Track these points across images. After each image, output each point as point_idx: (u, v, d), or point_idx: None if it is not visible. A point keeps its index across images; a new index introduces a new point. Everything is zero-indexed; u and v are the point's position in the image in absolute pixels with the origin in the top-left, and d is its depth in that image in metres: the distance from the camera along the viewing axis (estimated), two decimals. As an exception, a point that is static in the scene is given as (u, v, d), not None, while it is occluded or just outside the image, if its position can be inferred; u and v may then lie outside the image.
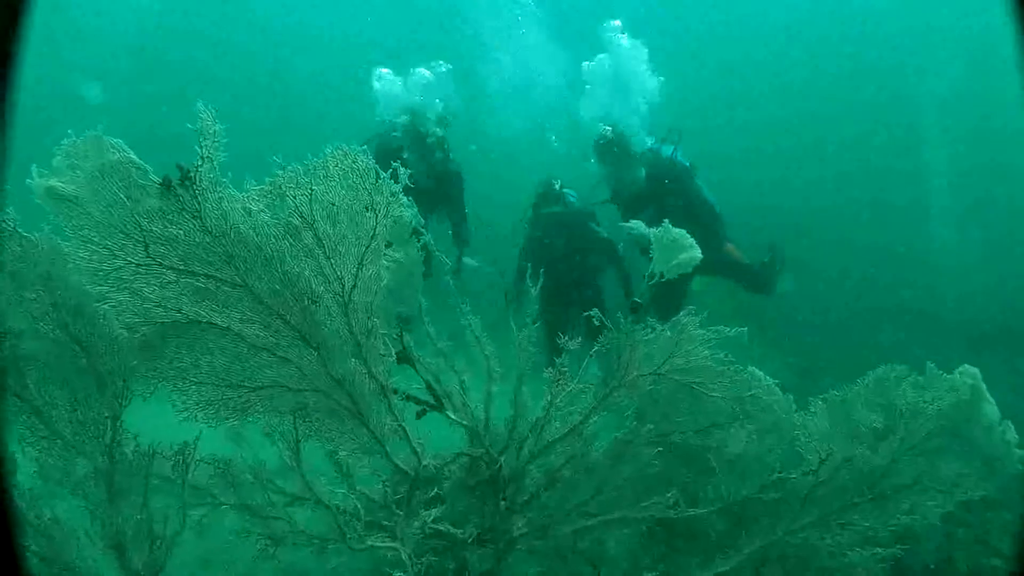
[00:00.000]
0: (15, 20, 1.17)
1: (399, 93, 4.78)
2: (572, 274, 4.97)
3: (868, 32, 16.98)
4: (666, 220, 2.97)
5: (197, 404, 2.03)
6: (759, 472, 2.79)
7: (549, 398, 2.76)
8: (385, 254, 2.38)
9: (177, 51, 18.32)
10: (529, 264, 5.20)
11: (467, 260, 5.12)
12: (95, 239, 1.83)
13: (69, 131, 1.79)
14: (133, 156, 1.81)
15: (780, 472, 2.68)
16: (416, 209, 2.43)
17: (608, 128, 4.63)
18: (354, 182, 2.02)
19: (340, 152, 1.98)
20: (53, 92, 14.51)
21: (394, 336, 2.78)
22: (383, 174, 2.05)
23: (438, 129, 4.64)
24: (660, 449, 2.76)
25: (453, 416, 2.75)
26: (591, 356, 2.82)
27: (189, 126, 1.78)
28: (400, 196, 2.10)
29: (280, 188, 1.95)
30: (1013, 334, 8.04)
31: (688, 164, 4.99)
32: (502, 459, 2.81)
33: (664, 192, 4.61)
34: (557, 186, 5.14)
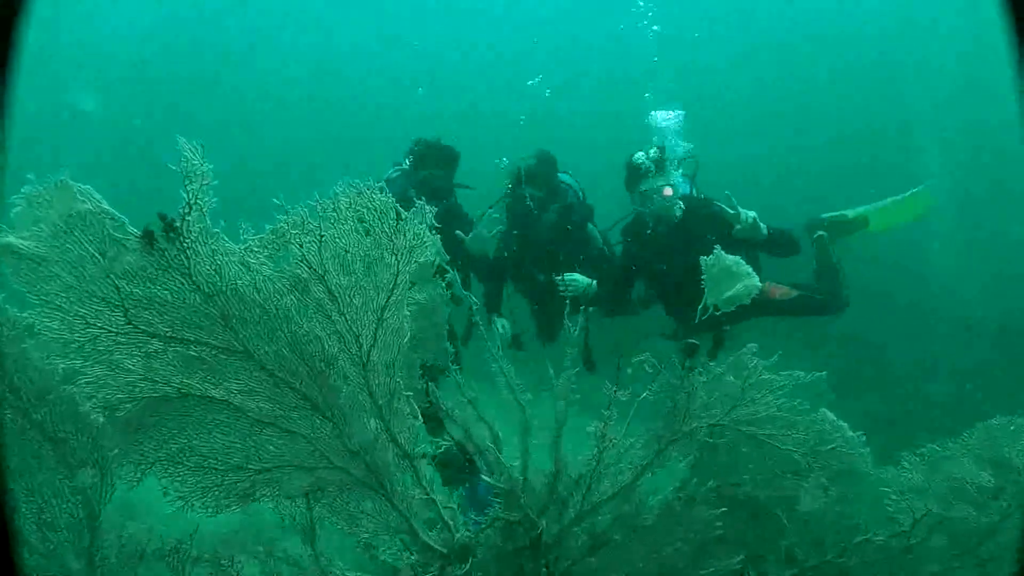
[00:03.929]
0: (9, 30, 1.07)
1: None
2: (546, 279, 4.01)
3: (863, 31, 16.54)
4: (717, 246, 2.64)
5: (193, 491, 1.72)
6: (837, 532, 2.44)
7: (596, 454, 2.43)
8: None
9: (177, 63, 17.95)
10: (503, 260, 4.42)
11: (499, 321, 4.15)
12: (64, 305, 1.53)
13: (30, 176, 1.49)
14: (106, 205, 1.51)
15: (866, 534, 2.33)
16: (440, 245, 2.12)
17: (657, 148, 3.95)
18: (371, 224, 1.71)
19: (352, 190, 1.66)
20: (49, 104, 14.32)
21: (419, 388, 2.47)
22: (405, 213, 1.74)
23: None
24: (724, 509, 2.41)
25: (488, 479, 2.42)
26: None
27: (172, 167, 1.48)
28: (425, 238, 1.79)
29: (284, 235, 1.63)
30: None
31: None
32: (543, 523, 2.48)
33: (700, 226, 3.84)
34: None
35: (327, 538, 2.20)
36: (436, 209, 3.92)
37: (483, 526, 2.53)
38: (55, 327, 1.53)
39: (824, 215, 4.68)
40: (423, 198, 4.21)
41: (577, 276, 3.88)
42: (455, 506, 2.43)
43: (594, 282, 3.93)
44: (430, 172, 4.00)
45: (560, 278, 3.86)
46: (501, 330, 4.02)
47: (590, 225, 4.27)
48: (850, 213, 4.81)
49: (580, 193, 4.36)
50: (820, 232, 4.43)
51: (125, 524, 2.46)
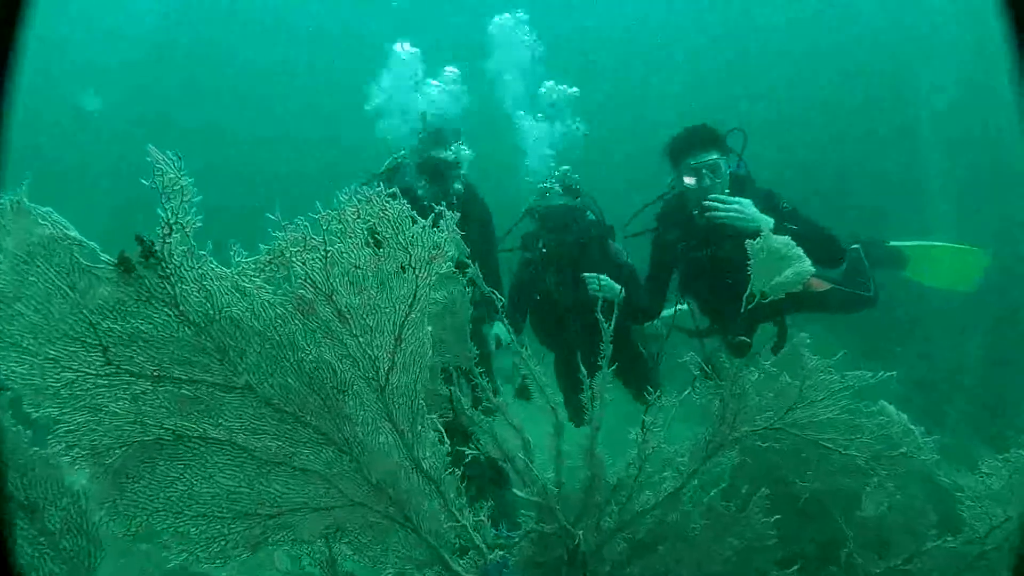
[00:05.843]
0: (12, 28, 0.99)
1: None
2: (569, 300, 3.75)
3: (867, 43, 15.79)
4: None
5: (197, 543, 1.52)
6: (903, 538, 2.24)
7: (636, 461, 2.23)
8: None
9: (178, 59, 17.40)
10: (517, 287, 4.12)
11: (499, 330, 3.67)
12: (32, 347, 1.31)
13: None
14: (73, 231, 1.27)
15: (936, 540, 2.13)
16: (460, 239, 1.88)
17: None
18: (383, 235, 1.46)
19: (362, 198, 1.42)
20: (49, 101, 13.99)
21: (441, 394, 2.27)
22: (422, 221, 1.50)
23: (449, 152, 3.63)
24: (778, 516, 2.21)
25: (520, 493, 2.23)
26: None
27: (144, 182, 1.24)
28: (447, 248, 1.54)
29: (283, 254, 1.40)
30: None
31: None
32: (580, 533, 2.29)
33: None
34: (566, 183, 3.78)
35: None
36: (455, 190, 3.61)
37: (516, 540, 2.36)
38: (23, 372, 1.32)
39: (863, 238, 4.37)
40: (425, 178, 3.84)
41: (608, 279, 3.57)
42: (486, 519, 2.24)
43: (623, 289, 3.63)
44: (430, 155, 3.64)
45: (592, 276, 3.56)
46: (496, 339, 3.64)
47: (610, 241, 3.96)
48: (889, 243, 4.51)
49: (598, 210, 4.06)
50: (856, 245, 4.10)
51: (135, 546, 2.29)
